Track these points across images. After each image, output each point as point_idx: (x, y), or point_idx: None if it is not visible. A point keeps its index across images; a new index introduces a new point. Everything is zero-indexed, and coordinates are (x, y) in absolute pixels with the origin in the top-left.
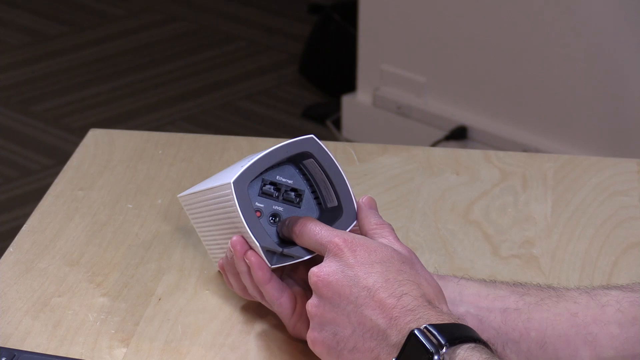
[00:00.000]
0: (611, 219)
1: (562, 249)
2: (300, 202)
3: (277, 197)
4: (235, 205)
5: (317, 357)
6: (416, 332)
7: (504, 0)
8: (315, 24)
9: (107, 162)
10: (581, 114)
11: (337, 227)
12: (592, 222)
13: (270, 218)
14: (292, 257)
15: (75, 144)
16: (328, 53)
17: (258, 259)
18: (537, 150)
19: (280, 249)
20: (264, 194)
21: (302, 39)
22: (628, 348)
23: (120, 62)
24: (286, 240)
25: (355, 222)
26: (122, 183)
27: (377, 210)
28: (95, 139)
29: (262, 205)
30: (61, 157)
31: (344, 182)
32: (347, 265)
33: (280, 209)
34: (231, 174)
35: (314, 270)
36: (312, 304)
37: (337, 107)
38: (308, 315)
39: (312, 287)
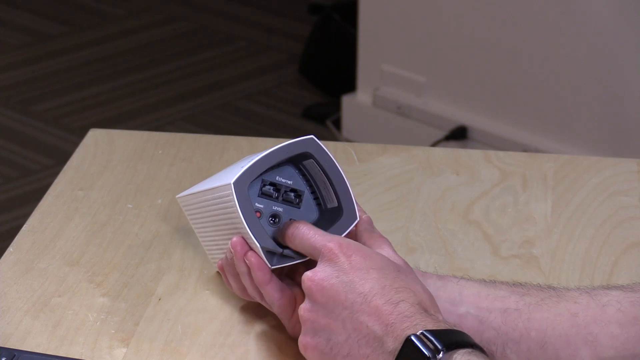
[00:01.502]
0: (611, 219)
1: (562, 249)
2: (300, 202)
3: (277, 197)
4: (236, 206)
5: None
6: (412, 337)
7: (504, 0)
8: (315, 24)
9: (107, 162)
10: (581, 114)
11: (337, 228)
12: (592, 222)
13: (270, 219)
14: (292, 258)
15: (75, 144)
16: (328, 53)
17: (258, 260)
18: (537, 150)
19: (280, 250)
20: (263, 194)
21: (302, 39)
22: (628, 348)
23: (120, 62)
24: None
25: (355, 222)
26: (122, 183)
27: (374, 228)
28: (95, 139)
29: (261, 206)
30: (61, 157)
31: (344, 183)
32: (342, 271)
33: (280, 209)
34: (231, 175)
35: (308, 274)
36: (304, 308)
37: (337, 107)
38: (300, 320)
39: (305, 291)
